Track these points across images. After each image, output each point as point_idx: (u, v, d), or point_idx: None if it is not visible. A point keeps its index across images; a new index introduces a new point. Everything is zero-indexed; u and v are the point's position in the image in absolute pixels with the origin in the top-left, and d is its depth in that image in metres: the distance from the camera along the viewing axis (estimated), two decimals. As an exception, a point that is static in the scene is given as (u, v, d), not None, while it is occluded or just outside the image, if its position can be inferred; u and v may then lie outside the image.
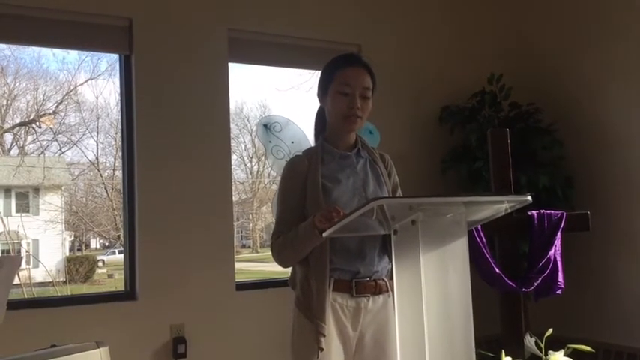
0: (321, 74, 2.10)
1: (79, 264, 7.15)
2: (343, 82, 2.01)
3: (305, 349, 1.91)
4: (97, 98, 6.65)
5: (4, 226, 6.35)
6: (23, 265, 6.04)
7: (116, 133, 6.52)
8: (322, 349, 1.86)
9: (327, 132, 2.10)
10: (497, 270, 2.26)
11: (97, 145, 6.86)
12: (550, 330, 1.94)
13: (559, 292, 2.30)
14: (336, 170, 2.02)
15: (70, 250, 7.41)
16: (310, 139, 2.33)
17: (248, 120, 7.24)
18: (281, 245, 1.97)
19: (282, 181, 2.07)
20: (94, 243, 7.95)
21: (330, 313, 1.90)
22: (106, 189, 7.24)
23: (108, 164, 7.07)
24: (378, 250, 1.95)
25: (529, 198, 1.58)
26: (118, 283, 6.45)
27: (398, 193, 2.13)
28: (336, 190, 1.97)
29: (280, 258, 2.01)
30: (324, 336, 1.86)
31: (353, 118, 2.00)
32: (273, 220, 2.23)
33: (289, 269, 2.10)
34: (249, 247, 8.38)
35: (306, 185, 1.98)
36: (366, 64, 2.07)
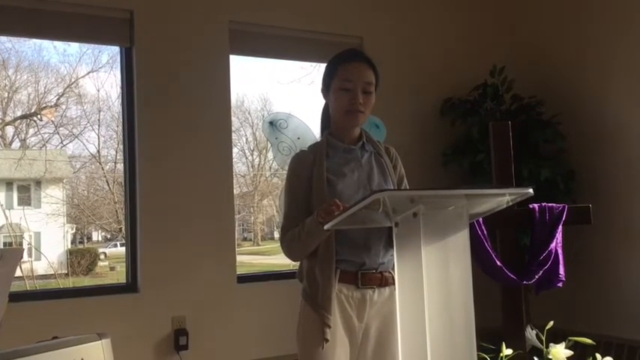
0: (324, 71, 2.11)
1: (80, 257, 7.15)
2: (345, 78, 2.02)
3: (311, 339, 1.93)
4: (98, 91, 6.63)
5: (6, 218, 6.35)
6: (25, 257, 6.05)
7: (117, 126, 6.51)
8: (327, 340, 1.88)
9: (332, 127, 2.11)
10: (498, 263, 2.26)
11: (99, 138, 6.84)
12: (551, 322, 1.94)
13: (560, 284, 2.30)
14: (340, 164, 2.03)
15: (72, 243, 7.41)
16: (316, 135, 2.34)
17: (249, 113, 7.22)
18: (289, 240, 1.99)
19: (288, 177, 2.09)
20: (96, 236, 7.95)
21: (336, 304, 1.92)
22: (107, 182, 7.23)
23: (109, 157, 7.06)
24: (383, 243, 1.96)
25: (530, 190, 1.58)
26: (119, 276, 6.45)
27: (404, 185, 2.14)
28: (340, 184, 1.98)
29: (290, 253, 2.03)
30: (329, 327, 1.89)
31: (355, 113, 2.01)
32: (275, 214, 2.24)
33: (290, 262, 2.12)
34: (250, 240, 8.37)
35: (311, 179, 1.99)
36: (368, 59, 2.07)
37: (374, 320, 1.97)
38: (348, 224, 1.70)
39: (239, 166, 7.36)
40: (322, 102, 2.17)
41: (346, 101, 2.00)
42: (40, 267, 6.53)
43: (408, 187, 2.14)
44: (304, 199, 2.00)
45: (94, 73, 6.45)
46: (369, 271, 1.95)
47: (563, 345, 1.87)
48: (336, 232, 1.92)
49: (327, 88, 2.09)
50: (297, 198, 2.02)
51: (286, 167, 2.15)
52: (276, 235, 8.35)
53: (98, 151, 6.90)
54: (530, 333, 1.97)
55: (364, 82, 2.02)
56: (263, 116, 7.31)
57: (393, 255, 1.96)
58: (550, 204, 2.38)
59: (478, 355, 1.54)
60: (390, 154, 2.14)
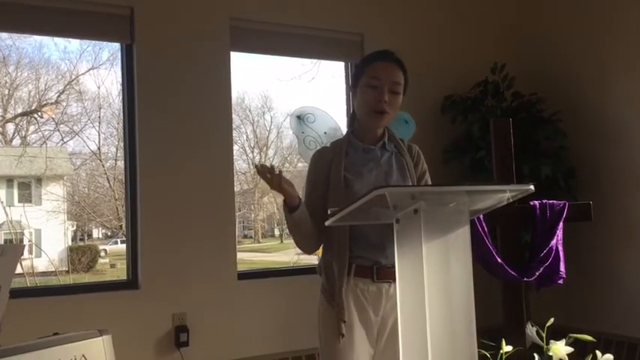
0: (354, 69, 2.13)
1: (81, 254, 7.16)
2: (372, 76, 2.02)
3: (328, 333, 1.96)
4: (98, 88, 6.63)
5: (7, 215, 6.36)
6: (26, 254, 6.06)
7: (118, 123, 6.51)
8: (343, 335, 1.90)
9: (356, 125, 2.13)
10: (499, 259, 2.26)
11: (99, 135, 6.84)
12: (551, 320, 1.93)
13: (561, 281, 2.30)
14: (358, 163, 2.05)
15: (73, 240, 7.42)
16: (344, 129, 2.35)
17: (250, 110, 7.23)
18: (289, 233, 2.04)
19: (308, 172, 2.13)
20: (96, 233, 7.96)
21: (352, 298, 1.94)
22: (108, 179, 7.23)
23: (110, 154, 7.07)
24: None
25: (532, 187, 1.57)
26: (120, 273, 6.46)
27: (424, 181, 2.15)
28: (357, 183, 2.00)
29: (296, 244, 2.07)
30: (344, 322, 1.91)
31: (380, 113, 2.02)
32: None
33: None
34: (250, 237, 8.38)
35: (329, 177, 2.00)
36: (399, 60, 2.08)
37: (390, 315, 1.98)
38: (361, 220, 1.72)
39: (239, 164, 7.37)
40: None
41: (372, 98, 2.01)
42: (41, 264, 6.54)
43: (429, 183, 2.15)
44: (319, 196, 2.02)
45: (95, 70, 6.46)
46: (385, 266, 1.97)
47: (563, 342, 1.86)
48: (350, 229, 1.94)
49: (355, 85, 2.09)
50: (312, 194, 2.06)
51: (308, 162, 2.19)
52: (277, 232, 8.36)
53: (99, 149, 6.91)
54: (531, 330, 1.97)
55: (392, 81, 2.02)
56: (263, 113, 7.32)
57: None
58: (551, 201, 2.37)
59: (478, 351, 1.54)
60: (412, 153, 2.16)
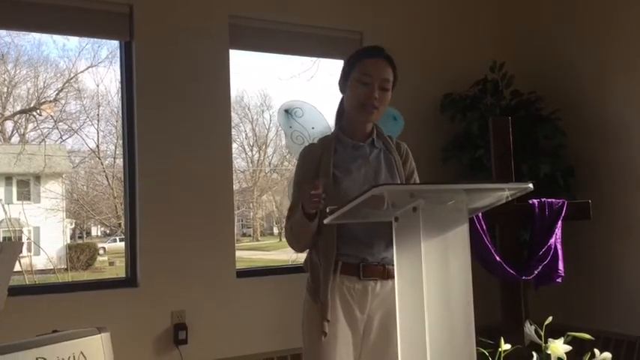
0: (344, 64, 2.12)
1: (80, 252, 7.17)
2: (363, 72, 2.02)
3: (312, 331, 1.95)
4: (97, 86, 6.64)
5: (6, 213, 6.36)
6: (24, 252, 6.06)
7: (117, 121, 6.52)
8: (325, 334, 1.89)
9: (344, 121, 2.12)
10: (497, 258, 2.26)
11: (98, 133, 6.86)
12: (550, 318, 1.94)
13: (559, 280, 2.30)
14: (347, 160, 2.04)
15: (71, 238, 7.43)
16: (331, 125, 2.34)
17: (249, 108, 7.24)
18: (286, 230, 2.02)
19: (296, 169, 2.11)
20: (95, 231, 7.97)
21: (338, 296, 1.94)
22: (106, 177, 7.24)
23: (109, 152, 7.08)
24: (386, 239, 1.95)
25: (530, 185, 1.57)
26: (118, 271, 6.47)
27: (413, 179, 2.14)
28: (346, 180, 1.99)
29: (289, 242, 2.06)
30: (328, 321, 1.90)
31: (369, 108, 2.02)
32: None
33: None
34: (249, 235, 8.39)
35: (318, 173, 2.00)
36: (389, 57, 2.08)
37: (377, 312, 1.98)
38: (351, 219, 1.71)
39: (238, 162, 7.38)
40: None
41: (362, 95, 2.01)
42: (40, 262, 6.54)
43: (418, 181, 2.15)
44: None
45: (94, 67, 6.47)
46: (372, 264, 1.96)
47: (561, 340, 1.87)
48: (338, 228, 1.93)
49: (344, 80, 2.09)
50: None
51: (295, 158, 2.17)
52: (276, 230, 8.37)
53: (97, 146, 6.92)
54: (529, 328, 1.97)
55: (382, 78, 2.02)
56: (262, 111, 7.32)
57: None
58: (550, 199, 2.37)
59: (477, 350, 1.54)
60: (400, 150, 2.15)
